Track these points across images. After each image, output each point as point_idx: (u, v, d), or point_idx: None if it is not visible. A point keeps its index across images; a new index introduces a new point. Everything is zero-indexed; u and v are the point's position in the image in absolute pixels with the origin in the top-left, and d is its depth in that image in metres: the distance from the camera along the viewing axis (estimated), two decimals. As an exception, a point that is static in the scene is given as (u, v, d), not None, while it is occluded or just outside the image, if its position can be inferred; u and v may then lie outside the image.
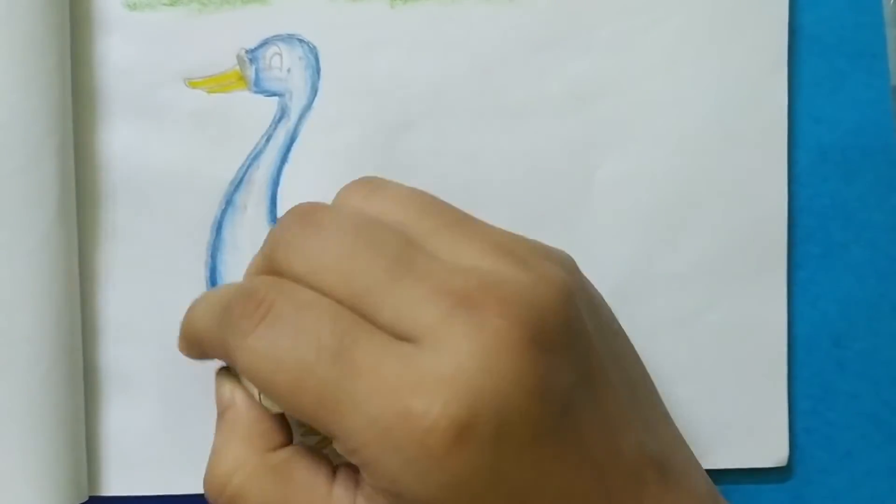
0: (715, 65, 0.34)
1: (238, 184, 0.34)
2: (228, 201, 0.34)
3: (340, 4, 0.34)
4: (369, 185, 0.28)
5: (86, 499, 0.33)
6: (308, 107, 0.34)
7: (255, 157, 0.34)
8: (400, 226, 0.26)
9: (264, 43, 0.34)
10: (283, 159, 0.34)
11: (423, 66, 0.34)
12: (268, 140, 0.34)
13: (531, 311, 0.24)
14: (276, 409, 0.28)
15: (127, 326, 0.34)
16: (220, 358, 0.28)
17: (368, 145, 0.34)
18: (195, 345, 0.29)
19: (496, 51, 0.34)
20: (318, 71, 0.34)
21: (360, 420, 0.24)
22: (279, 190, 0.34)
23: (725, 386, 0.34)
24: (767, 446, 0.34)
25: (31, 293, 0.31)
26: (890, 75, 0.35)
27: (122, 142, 0.33)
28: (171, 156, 0.34)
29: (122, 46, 0.33)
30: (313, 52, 0.34)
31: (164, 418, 0.34)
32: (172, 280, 0.34)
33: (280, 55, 0.34)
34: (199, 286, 0.34)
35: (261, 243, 0.33)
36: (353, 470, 0.26)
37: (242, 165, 0.34)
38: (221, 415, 0.28)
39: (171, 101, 0.33)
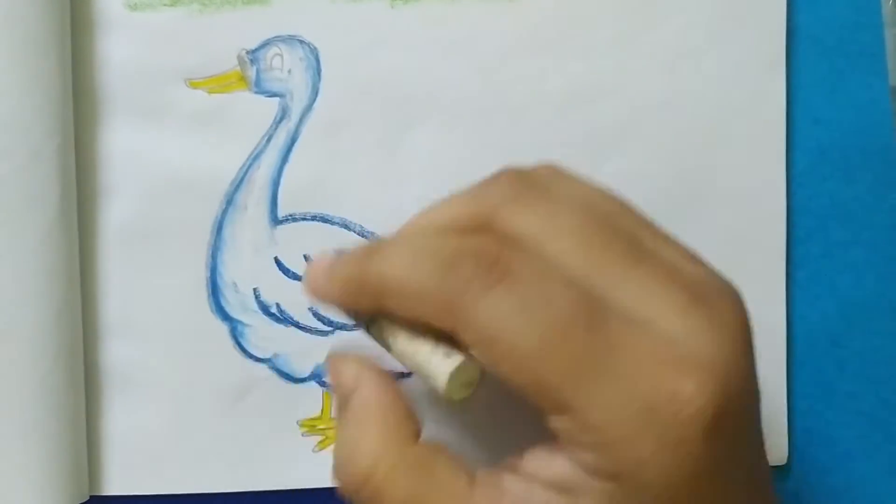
0: (714, 65, 0.34)
1: (239, 183, 0.34)
2: (229, 201, 0.34)
3: (340, 5, 0.34)
4: (556, 170, 0.27)
5: (86, 499, 0.33)
6: (309, 107, 0.34)
7: (255, 157, 0.34)
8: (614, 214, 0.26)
9: (265, 44, 0.34)
10: (284, 159, 0.34)
11: (423, 66, 0.34)
12: (268, 140, 0.34)
13: (747, 316, 0.24)
14: (461, 395, 0.25)
15: (127, 326, 0.34)
16: (434, 317, 0.25)
17: (369, 145, 0.34)
18: (370, 297, 0.26)
19: (496, 51, 0.34)
20: (318, 72, 0.34)
21: (617, 395, 0.22)
22: (280, 190, 0.34)
23: (725, 385, 0.34)
24: (767, 446, 0.34)
25: (31, 293, 0.31)
26: (889, 75, 0.35)
27: (122, 142, 0.34)
28: (172, 156, 0.34)
29: (122, 47, 0.33)
30: (314, 52, 0.34)
31: (165, 418, 0.34)
32: (172, 280, 0.34)
33: (281, 56, 0.34)
34: (199, 286, 0.34)
35: (261, 243, 0.34)
36: (495, 474, 0.25)
37: (243, 165, 0.34)
38: (347, 400, 0.27)
39: (172, 102, 0.33)
